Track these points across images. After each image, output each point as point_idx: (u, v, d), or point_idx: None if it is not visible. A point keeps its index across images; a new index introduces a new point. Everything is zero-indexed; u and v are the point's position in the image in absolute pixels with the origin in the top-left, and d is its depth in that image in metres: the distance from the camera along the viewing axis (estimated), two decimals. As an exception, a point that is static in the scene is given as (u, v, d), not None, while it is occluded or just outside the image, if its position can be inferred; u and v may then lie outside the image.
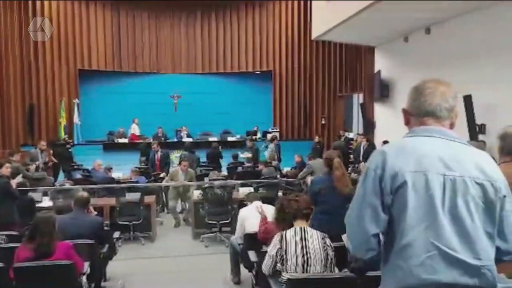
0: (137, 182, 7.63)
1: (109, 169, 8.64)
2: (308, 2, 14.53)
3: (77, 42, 15.34)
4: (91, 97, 15.85)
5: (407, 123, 1.63)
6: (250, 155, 11.21)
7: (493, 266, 1.45)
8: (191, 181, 7.93)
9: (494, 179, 1.47)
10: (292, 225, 3.34)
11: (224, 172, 10.51)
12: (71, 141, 12.86)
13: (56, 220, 3.59)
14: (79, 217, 4.24)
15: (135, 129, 14.64)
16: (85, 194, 4.52)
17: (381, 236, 1.50)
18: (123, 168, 10.30)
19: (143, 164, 10.04)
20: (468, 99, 7.65)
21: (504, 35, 7.34)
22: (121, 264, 5.50)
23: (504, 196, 1.48)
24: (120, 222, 6.59)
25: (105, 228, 4.76)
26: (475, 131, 7.70)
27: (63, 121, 14.52)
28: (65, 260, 3.32)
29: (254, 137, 14.58)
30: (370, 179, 1.49)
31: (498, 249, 1.48)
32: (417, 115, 1.57)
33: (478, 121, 7.75)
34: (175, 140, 14.66)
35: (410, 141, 1.54)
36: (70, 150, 11.77)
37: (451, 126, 1.57)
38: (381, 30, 10.36)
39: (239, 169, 9.79)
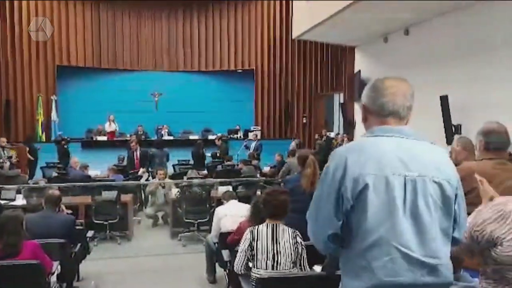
0: (113, 180, 7.52)
1: (85, 167, 8.49)
2: (290, 1, 14.55)
3: (55, 38, 15.06)
4: (70, 94, 15.58)
5: (365, 120, 1.62)
6: (219, 154, 11.15)
7: (449, 263, 1.48)
8: (170, 189, 7.77)
9: (451, 177, 1.50)
10: (264, 221, 3.33)
11: (204, 170, 10.48)
12: (66, 137, 12.43)
13: (25, 218, 3.51)
14: (49, 216, 4.15)
15: (111, 127, 14.42)
16: (56, 192, 4.42)
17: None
18: (102, 166, 10.16)
19: (120, 162, 9.91)
20: (444, 100, 7.78)
21: (480, 36, 7.47)
22: (96, 263, 5.42)
23: (459, 192, 1.52)
24: (96, 221, 6.48)
25: (78, 227, 4.65)
26: (451, 132, 7.83)
27: (40, 118, 14.26)
28: (33, 259, 3.24)
29: (222, 135, 14.46)
30: (329, 181, 1.50)
31: (454, 239, 1.53)
32: (379, 115, 1.56)
33: (454, 121, 7.87)
34: (156, 138, 14.54)
35: (370, 142, 1.53)
36: (66, 146, 11.51)
37: (407, 122, 1.59)
38: (361, 31, 10.45)
39: (219, 167, 9.77)
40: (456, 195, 1.50)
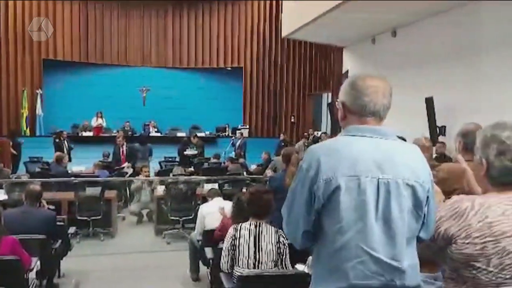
0: (97, 176, 7.44)
1: (60, 160, 8.25)
2: (280, 0, 14.56)
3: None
4: (56, 88, 15.36)
5: (343, 118, 1.59)
6: (195, 152, 11.06)
7: (416, 266, 1.49)
8: (155, 186, 7.71)
9: (423, 179, 1.49)
10: (247, 219, 3.33)
11: (191, 168, 10.45)
12: (63, 131, 12.17)
13: (3, 214, 3.45)
14: (29, 211, 4.08)
15: (98, 123, 14.28)
16: (36, 187, 4.35)
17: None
18: (87, 162, 10.07)
19: (106, 158, 9.82)
20: (429, 101, 7.86)
21: (466, 38, 7.57)
22: (78, 260, 5.36)
23: (431, 194, 1.52)
24: (79, 218, 6.42)
25: (60, 223, 4.59)
26: (436, 133, 7.91)
27: (25, 112, 14.04)
28: (11, 255, 3.19)
29: (198, 133, 14.43)
30: (302, 179, 1.49)
31: (419, 238, 1.53)
32: (360, 114, 1.54)
33: (439, 123, 7.96)
34: (143, 134, 14.44)
35: (345, 141, 1.51)
36: (57, 140, 11.33)
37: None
38: (349, 31, 10.50)
39: (205, 165, 9.74)
40: (427, 197, 1.50)
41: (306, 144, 12.94)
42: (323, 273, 1.49)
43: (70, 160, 10.82)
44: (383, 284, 1.42)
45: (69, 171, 8.73)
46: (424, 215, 1.50)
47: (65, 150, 10.67)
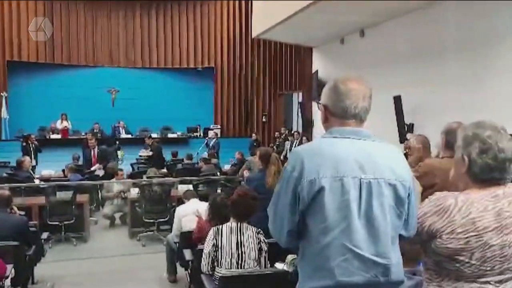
0: (68, 180, 7.29)
1: (20, 164, 7.98)
2: (250, 0, 14.61)
3: (6, 32, 14.36)
4: (21, 90, 14.89)
5: (325, 121, 1.64)
6: (150, 153, 10.93)
7: (399, 262, 1.55)
8: (129, 189, 7.61)
9: (404, 178, 1.56)
10: (227, 220, 3.35)
11: (164, 169, 10.36)
12: (31, 135, 11.77)
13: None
14: (0, 218, 3.98)
15: (64, 125, 13.92)
16: (5, 192, 4.23)
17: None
18: (55, 165, 9.83)
19: (76, 161, 9.60)
20: (398, 100, 8.10)
21: (431, 38, 7.83)
22: (51, 266, 5.26)
23: (412, 192, 1.58)
24: (50, 222, 6.28)
25: (32, 228, 4.49)
26: (404, 130, 8.16)
27: (-11, 115, 13.56)
28: (-15, 264, 3.11)
29: (151, 134, 14.37)
30: (286, 180, 1.54)
31: (400, 236, 1.59)
32: (342, 117, 1.58)
33: (407, 120, 8.22)
34: (112, 136, 14.20)
35: (328, 143, 1.56)
36: (24, 144, 10.97)
37: None
38: (318, 31, 10.67)
39: (179, 166, 9.69)
40: (409, 195, 1.57)
41: (255, 140, 13.07)
42: (309, 271, 1.54)
43: (37, 163, 10.54)
44: (367, 280, 1.48)
45: (38, 175, 8.50)
46: (407, 213, 1.57)
47: (32, 154, 10.38)
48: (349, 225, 1.47)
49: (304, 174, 1.49)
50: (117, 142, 12.35)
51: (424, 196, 1.78)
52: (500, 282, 1.54)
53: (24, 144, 10.72)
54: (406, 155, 5.01)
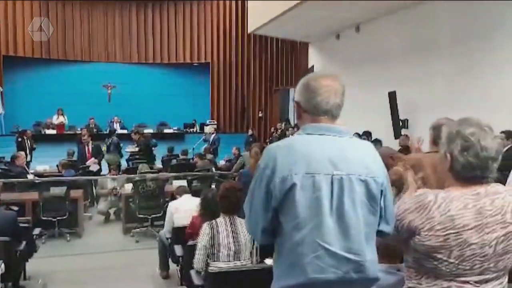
0: (61, 175, 7.28)
1: (14, 159, 7.95)
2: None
3: (1, 28, 14.28)
4: (17, 86, 14.88)
5: (299, 118, 1.65)
6: (136, 149, 10.86)
7: (374, 260, 1.54)
8: (123, 185, 7.60)
9: (376, 174, 1.55)
10: (215, 216, 3.35)
11: (159, 164, 10.36)
12: (27, 130, 11.78)
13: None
14: (-11, 214, 3.97)
15: (60, 120, 13.89)
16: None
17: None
18: (50, 161, 9.81)
19: (70, 156, 9.59)
20: (392, 95, 8.10)
21: (425, 34, 7.84)
22: (44, 262, 5.25)
23: (386, 188, 1.57)
24: (44, 218, 6.27)
25: (23, 224, 4.48)
26: (399, 126, 8.17)
27: (-16, 111, 13.52)
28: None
29: (140, 129, 14.32)
30: (260, 177, 1.54)
31: (381, 232, 1.59)
32: (313, 114, 1.58)
33: (402, 116, 8.22)
34: (108, 131, 14.18)
35: (301, 140, 1.56)
36: (20, 139, 10.95)
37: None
38: (314, 27, 10.64)
39: (174, 162, 9.68)
40: (382, 191, 1.55)
41: (251, 135, 12.95)
42: (283, 269, 1.54)
43: (31, 159, 10.54)
44: (340, 277, 1.48)
45: (33, 171, 8.47)
46: (381, 208, 1.56)
47: (27, 149, 10.37)
48: (321, 221, 1.47)
49: (276, 171, 1.49)
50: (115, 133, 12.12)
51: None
52: (480, 282, 1.51)
53: (20, 139, 10.69)
54: (401, 151, 5.04)
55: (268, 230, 1.55)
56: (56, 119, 13.93)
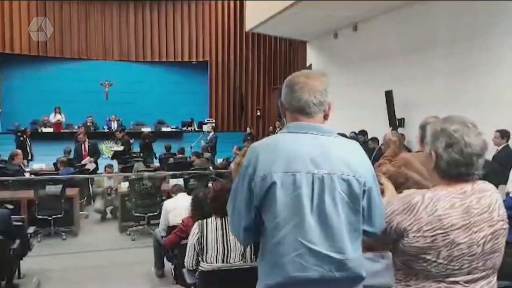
0: (57, 174, 7.26)
1: (12, 157, 7.93)
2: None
3: (-2, 24, 14.25)
4: (13, 83, 14.82)
5: (284, 115, 1.64)
6: (121, 147, 10.75)
7: (357, 258, 1.52)
8: (119, 183, 7.57)
9: (359, 174, 1.52)
10: (210, 216, 3.33)
11: (157, 163, 10.35)
12: (27, 129, 11.78)
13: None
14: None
15: (57, 118, 13.85)
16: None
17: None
18: (47, 159, 9.80)
19: (67, 155, 9.56)
20: (389, 94, 8.10)
21: (421, 33, 7.84)
22: (39, 260, 5.26)
23: (370, 188, 1.55)
24: (39, 216, 6.27)
25: (17, 222, 4.47)
26: (396, 125, 8.17)
27: (-20, 108, 13.48)
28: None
29: (164, 128, 14.27)
30: (242, 176, 1.53)
31: (366, 232, 1.57)
32: (292, 111, 1.59)
33: (398, 115, 8.22)
34: (106, 130, 14.18)
35: (283, 138, 1.55)
36: (21, 138, 10.94)
37: (325, 117, 1.61)
38: (312, 26, 10.63)
39: (171, 160, 9.67)
40: (364, 191, 1.53)
41: (250, 134, 12.92)
42: (266, 268, 1.53)
43: (32, 158, 10.55)
44: (322, 275, 1.46)
45: (29, 169, 8.46)
46: (363, 208, 1.54)
47: (27, 148, 10.38)
48: (302, 220, 1.46)
49: (258, 169, 1.48)
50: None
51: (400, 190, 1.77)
52: (469, 282, 1.51)
53: (22, 138, 10.73)
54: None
55: (251, 229, 1.54)
56: (53, 117, 13.89)
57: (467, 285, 1.50)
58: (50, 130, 13.57)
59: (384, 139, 3.45)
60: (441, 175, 1.55)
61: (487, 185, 1.57)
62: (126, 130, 12.07)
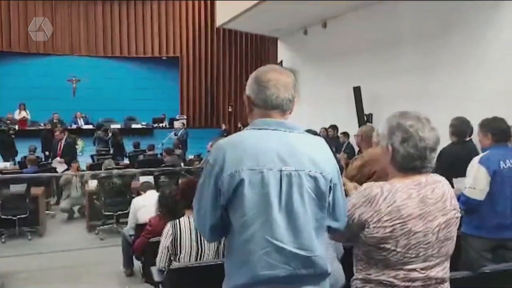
0: (21, 172, 7.05)
1: None
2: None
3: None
4: (-25, 80, 14.29)
5: (250, 111, 1.62)
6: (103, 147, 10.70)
7: (323, 254, 1.53)
8: (86, 181, 7.41)
9: (326, 171, 1.53)
10: (180, 215, 3.29)
11: (126, 160, 10.18)
12: (13, 127, 11.37)
13: None
14: None
15: (22, 115, 13.45)
16: None
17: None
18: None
19: (32, 153, 9.26)
20: (357, 90, 8.23)
21: (388, 31, 7.99)
22: (3, 261, 5.12)
23: (336, 184, 1.57)
24: (3, 217, 6.07)
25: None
26: (364, 120, 8.31)
27: None
28: None
29: (134, 124, 14.09)
30: (208, 174, 1.51)
31: (330, 228, 1.59)
32: (263, 108, 1.56)
33: (366, 110, 8.37)
34: (74, 127, 13.86)
35: (250, 135, 1.54)
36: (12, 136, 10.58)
37: (290, 112, 1.61)
38: (282, 22, 10.66)
39: (141, 157, 9.54)
40: (330, 188, 1.54)
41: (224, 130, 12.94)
42: (233, 267, 1.52)
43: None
44: (290, 273, 1.47)
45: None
46: (329, 204, 1.55)
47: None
48: (270, 218, 1.45)
49: (225, 167, 1.46)
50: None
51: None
52: (425, 268, 1.58)
53: None
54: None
55: (217, 227, 1.53)
56: (18, 114, 13.45)
57: (423, 271, 1.58)
58: (15, 127, 13.13)
59: (364, 134, 3.46)
60: (397, 168, 1.62)
61: (438, 177, 1.66)
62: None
